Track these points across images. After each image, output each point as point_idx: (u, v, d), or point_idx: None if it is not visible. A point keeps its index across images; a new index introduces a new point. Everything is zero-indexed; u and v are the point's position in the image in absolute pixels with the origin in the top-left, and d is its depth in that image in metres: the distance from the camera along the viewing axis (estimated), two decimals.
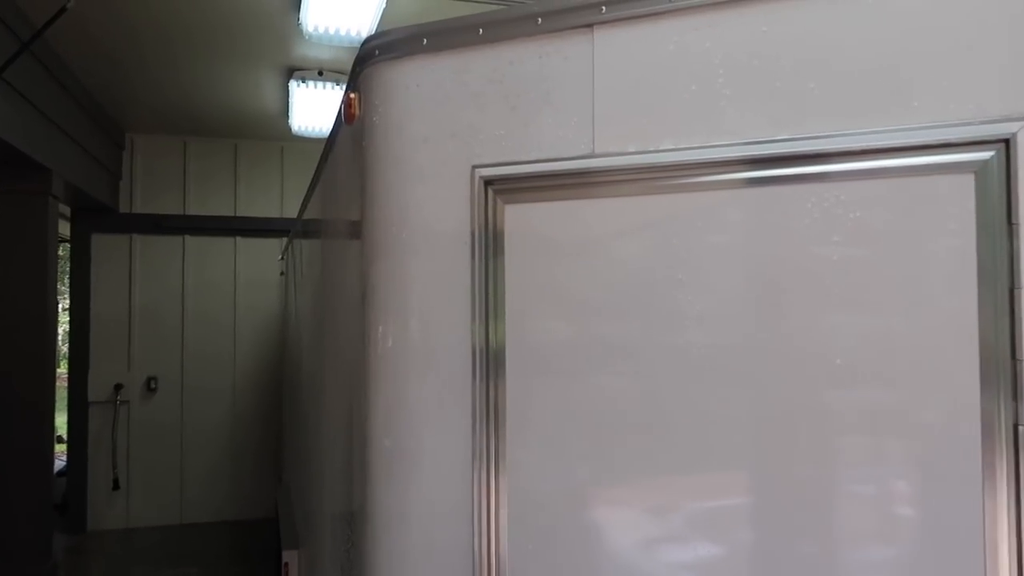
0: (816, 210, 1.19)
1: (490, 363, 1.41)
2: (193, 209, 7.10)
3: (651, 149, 1.30)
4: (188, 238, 7.06)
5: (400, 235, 1.47)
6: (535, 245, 1.38)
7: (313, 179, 3.61)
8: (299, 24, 4.34)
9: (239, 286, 7.16)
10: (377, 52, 1.54)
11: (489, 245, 1.40)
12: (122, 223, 6.81)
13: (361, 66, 1.60)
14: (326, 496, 2.52)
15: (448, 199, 1.45)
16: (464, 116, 1.45)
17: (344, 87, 5.33)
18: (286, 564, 3.55)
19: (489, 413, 1.40)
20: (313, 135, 6.24)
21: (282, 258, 6.47)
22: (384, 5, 4.07)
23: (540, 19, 1.38)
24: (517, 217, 1.40)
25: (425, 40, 1.48)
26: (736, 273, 1.25)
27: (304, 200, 4.18)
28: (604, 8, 1.33)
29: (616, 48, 1.33)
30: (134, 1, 4.23)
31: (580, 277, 1.35)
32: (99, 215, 6.67)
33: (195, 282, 7.04)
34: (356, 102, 1.63)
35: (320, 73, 5.37)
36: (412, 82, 1.49)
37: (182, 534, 6.58)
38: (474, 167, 1.43)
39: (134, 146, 6.92)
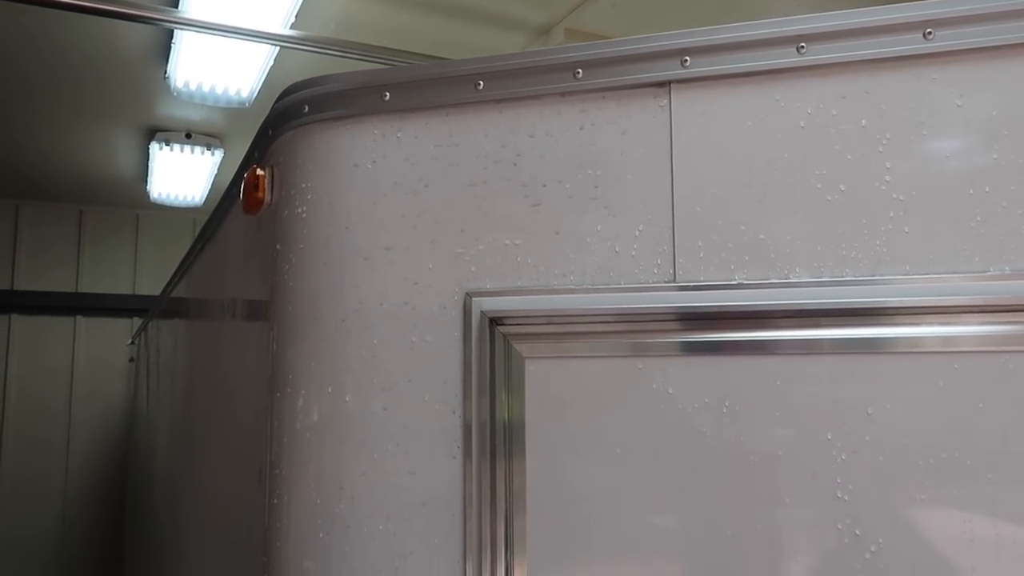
0: None
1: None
2: (24, 283, 6.06)
3: (774, 281, 0.81)
4: (16, 317, 5.99)
5: (332, 412, 0.91)
6: (579, 435, 0.85)
7: (184, 262, 2.92)
8: (166, 78, 3.68)
9: (77, 374, 6.12)
10: (307, 108, 0.99)
11: (495, 429, 0.86)
12: None
13: (277, 128, 1.05)
14: None
15: (423, 351, 0.90)
16: (452, 214, 0.92)
17: (212, 152, 4.67)
18: None
19: None
20: (176, 204, 5.50)
21: (133, 342, 5.56)
22: (271, 63, 3.49)
23: (580, 70, 0.88)
24: (546, 383, 0.86)
25: (388, 94, 0.94)
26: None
27: (168, 285, 3.46)
28: (688, 59, 0.85)
29: (710, 119, 0.85)
30: None
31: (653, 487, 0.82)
32: None
33: (22, 369, 5.95)
34: (265, 183, 1.07)
35: (188, 136, 4.67)
36: (365, 157, 0.95)
37: None
38: (469, 295, 0.89)
39: None
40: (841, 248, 0.80)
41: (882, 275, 0.79)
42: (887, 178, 0.80)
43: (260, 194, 1.07)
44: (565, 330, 0.86)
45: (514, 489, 0.86)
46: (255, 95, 3.75)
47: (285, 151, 1.04)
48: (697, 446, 0.80)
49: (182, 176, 5.04)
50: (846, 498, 0.77)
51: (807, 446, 0.78)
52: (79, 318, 6.21)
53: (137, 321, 5.95)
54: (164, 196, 5.39)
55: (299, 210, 0.99)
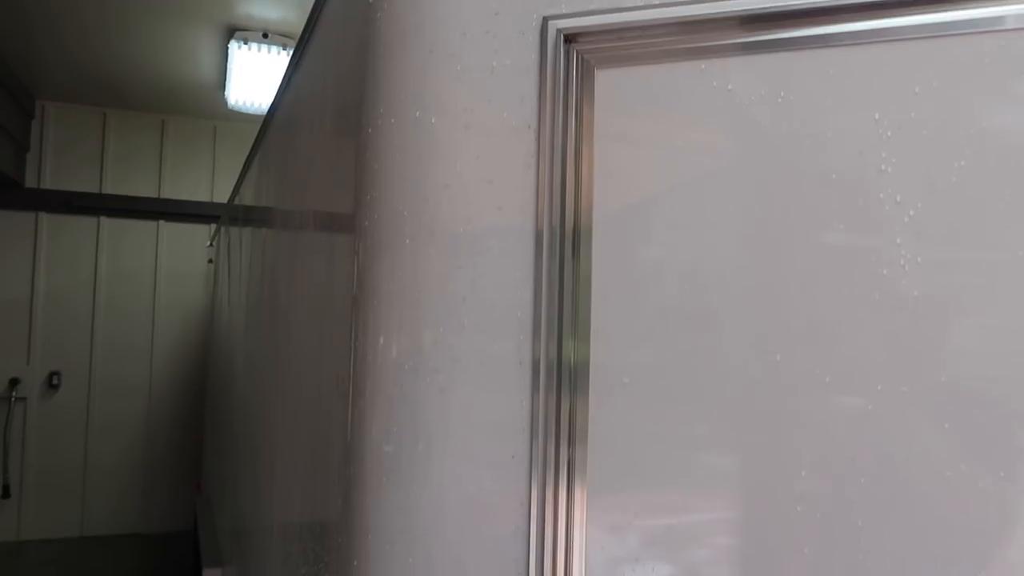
0: None
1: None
2: (111, 188, 6.39)
3: None
4: (104, 219, 6.33)
5: (417, 134, 1.00)
6: (644, 133, 0.93)
7: (250, 154, 3.09)
8: None
9: (161, 275, 6.47)
10: None
11: (567, 137, 0.95)
12: (28, 199, 6.06)
13: None
14: (270, 509, 2.01)
15: (502, 74, 0.99)
16: None
17: (288, 52, 4.79)
18: None
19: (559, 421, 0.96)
20: (251, 111, 5.67)
21: (211, 244, 5.85)
22: None
23: None
24: (614, 89, 0.95)
25: None
26: None
27: (240, 178, 3.64)
28: None
29: None
30: None
31: (725, 192, 0.91)
32: (2, 190, 5.90)
33: (110, 268, 6.32)
34: None
35: (265, 35, 4.82)
36: None
37: (82, 548, 5.82)
38: (546, 19, 0.98)
39: (46, 115, 6.18)
40: None
41: None
42: None
43: None
44: (633, 41, 0.94)
45: (582, 189, 0.95)
46: None
47: None
48: (753, 134, 0.88)
49: (259, 80, 5.19)
50: (889, 171, 0.84)
51: (855, 126, 0.85)
52: (161, 222, 6.53)
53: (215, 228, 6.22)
54: (241, 103, 5.55)
55: None
